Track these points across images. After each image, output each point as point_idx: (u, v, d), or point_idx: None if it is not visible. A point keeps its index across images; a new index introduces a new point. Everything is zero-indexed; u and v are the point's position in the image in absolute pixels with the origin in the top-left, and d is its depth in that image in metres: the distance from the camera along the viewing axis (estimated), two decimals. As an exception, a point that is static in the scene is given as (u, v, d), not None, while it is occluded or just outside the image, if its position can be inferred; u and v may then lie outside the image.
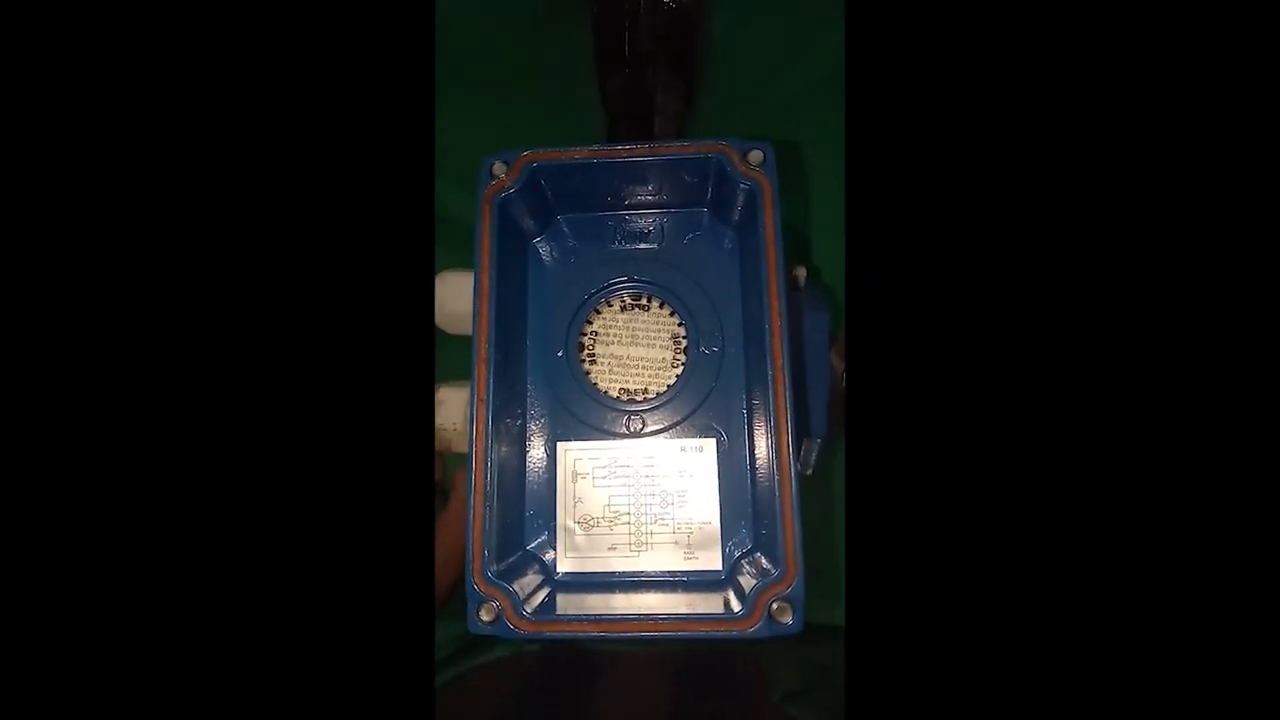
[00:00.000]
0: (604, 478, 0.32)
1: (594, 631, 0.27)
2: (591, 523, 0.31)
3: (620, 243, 0.34)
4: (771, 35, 0.46)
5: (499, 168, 0.30)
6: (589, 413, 0.32)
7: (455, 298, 0.33)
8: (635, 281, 0.33)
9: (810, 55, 0.44)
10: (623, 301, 0.33)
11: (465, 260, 0.32)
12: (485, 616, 0.27)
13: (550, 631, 0.27)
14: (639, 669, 0.44)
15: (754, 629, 0.26)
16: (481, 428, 0.28)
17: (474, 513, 0.27)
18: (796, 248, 0.41)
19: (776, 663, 0.44)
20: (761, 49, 0.46)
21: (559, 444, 0.32)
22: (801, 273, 0.35)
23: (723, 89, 0.45)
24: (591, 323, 0.33)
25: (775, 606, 0.26)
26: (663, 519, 0.31)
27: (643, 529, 0.31)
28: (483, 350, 0.29)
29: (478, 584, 0.27)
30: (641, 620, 0.27)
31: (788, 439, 0.27)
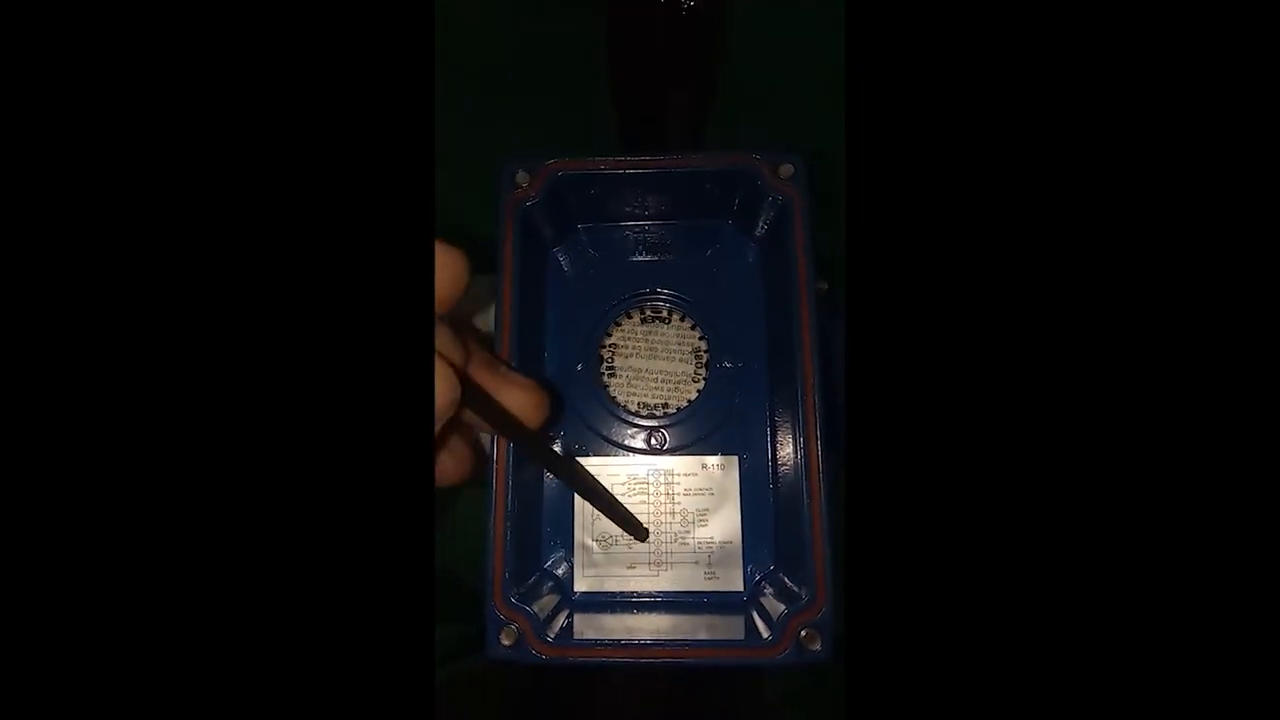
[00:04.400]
0: (623, 494, 0.31)
1: (618, 658, 0.26)
2: (610, 541, 0.30)
3: (640, 254, 0.33)
4: (786, 39, 0.45)
5: (522, 176, 0.29)
6: (608, 427, 0.31)
7: (471, 305, 0.33)
8: (656, 293, 0.32)
9: (829, 60, 0.43)
10: (643, 314, 0.33)
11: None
12: (506, 641, 0.26)
13: (573, 657, 0.26)
14: (636, 669, 0.44)
15: (782, 656, 0.26)
16: (503, 445, 0.27)
17: (494, 533, 0.27)
18: (817, 258, 0.40)
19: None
20: (776, 53, 0.45)
21: (577, 459, 0.31)
22: (824, 286, 0.34)
23: (739, 94, 0.45)
24: (611, 335, 0.32)
25: (804, 633, 0.26)
26: (683, 538, 0.30)
27: (662, 548, 0.30)
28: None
29: (499, 608, 0.26)
30: (666, 646, 0.26)
31: (817, 458, 0.27)
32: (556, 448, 0.31)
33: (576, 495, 0.31)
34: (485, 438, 0.31)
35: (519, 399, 0.24)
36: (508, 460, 0.27)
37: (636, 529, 0.30)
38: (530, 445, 0.26)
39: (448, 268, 0.21)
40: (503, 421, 0.23)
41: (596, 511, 0.31)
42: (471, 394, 0.21)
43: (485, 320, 0.31)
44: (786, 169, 0.29)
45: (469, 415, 0.23)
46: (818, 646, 0.26)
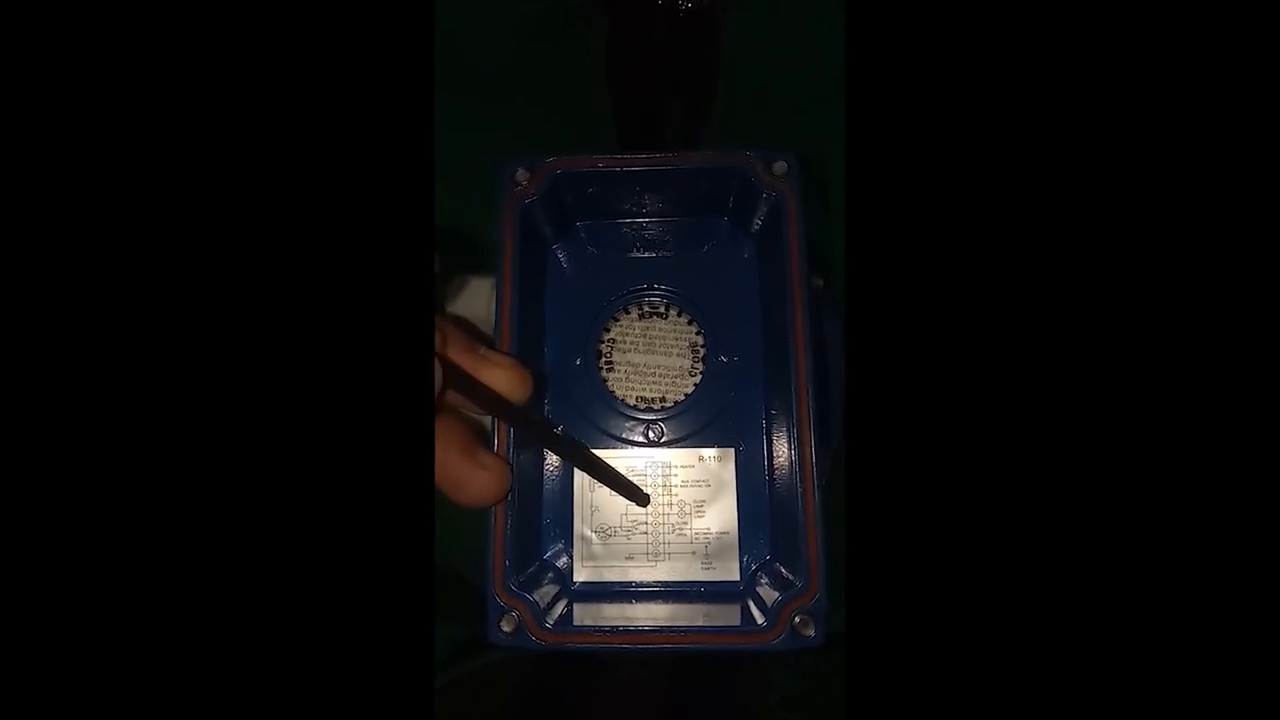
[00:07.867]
0: (621, 487, 0.31)
1: (616, 644, 0.27)
2: (609, 532, 0.31)
3: (638, 250, 0.34)
4: (785, 39, 0.46)
5: (521, 174, 0.30)
6: (607, 421, 0.32)
7: (473, 303, 0.33)
8: (653, 289, 0.33)
9: (823, 59, 0.44)
10: (640, 309, 0.33)
11: (467, 265, 0.32)
12: (506, 627, 0.26)
13: (571, 643, 0.27)
14: (636, 674, 0.44)
15: (776, 641, 0.26)
16: (503, 436, 0.28)
17: (495, 522, 0.27)
18: (812, 254, 0.41)
19: (774, 668, 0.44)
20: (775, 53, 0.46)
21: (569, 433, 0.32)
22: (819, 283, 0.35)
23: (734, 93, 0.46)
24: (609, 330, 0.33)
25: (798, 619, 0.26)
26: (680, 529, 0.31)
27: (660, 539, 0.31)
28: (504, 358, 0.28)
29: (499, 595, 0.27)
30: (663, 632, 0.27)
31: (811, 449, 0.27)
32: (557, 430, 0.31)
33: (577, 476, 0.31)
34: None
35: (501, 377, 0.24)
36: (508, 448, 0.27)
37: (637, 495, 0.30)
38: (520, 422, 0.26)
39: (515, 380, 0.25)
40: (489, 401, 0.24)
41: (595, 504, 0.31)
42: (454, 378, 0.22)
43: (486, 319, 0.32)
44: (780, 166, 0.29)
45: (455, 398, 0.23)
46: (811, 632, 0.26)
